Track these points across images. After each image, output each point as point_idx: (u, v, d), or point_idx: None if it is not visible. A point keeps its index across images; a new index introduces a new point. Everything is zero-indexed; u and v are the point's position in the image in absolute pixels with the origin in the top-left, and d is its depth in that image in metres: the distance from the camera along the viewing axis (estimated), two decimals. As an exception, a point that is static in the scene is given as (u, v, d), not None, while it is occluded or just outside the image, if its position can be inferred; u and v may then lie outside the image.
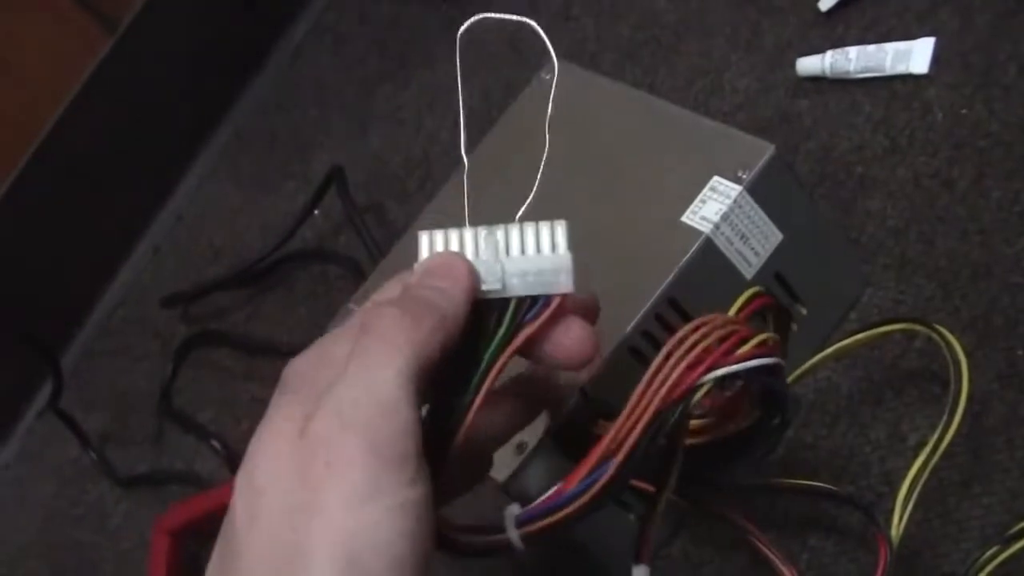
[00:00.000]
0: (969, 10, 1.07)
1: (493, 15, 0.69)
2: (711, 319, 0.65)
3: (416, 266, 0.62)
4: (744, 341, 0.64)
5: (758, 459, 0.76)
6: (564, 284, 0.60)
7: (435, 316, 0.58)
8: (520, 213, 0.63)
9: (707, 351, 0.62)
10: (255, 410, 0.58)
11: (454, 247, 0.61)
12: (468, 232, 0.62)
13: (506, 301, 0.60)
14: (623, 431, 0.61)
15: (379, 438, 0.53)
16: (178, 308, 1.46)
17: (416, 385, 0.55)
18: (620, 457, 0.60)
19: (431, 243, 0.62)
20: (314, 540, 0.52)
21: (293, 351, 0.62)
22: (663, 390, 0.61)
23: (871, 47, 1.09)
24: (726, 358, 0.63)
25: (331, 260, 1.36)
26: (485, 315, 0.60)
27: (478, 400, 0.59)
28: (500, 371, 0.60)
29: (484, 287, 0.60)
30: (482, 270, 0.60)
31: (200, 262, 1.51)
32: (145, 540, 1.20)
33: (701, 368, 0.62)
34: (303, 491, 0.53)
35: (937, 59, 1.06)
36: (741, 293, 0.86)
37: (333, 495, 0.52)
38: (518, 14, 1.38)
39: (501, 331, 0.60)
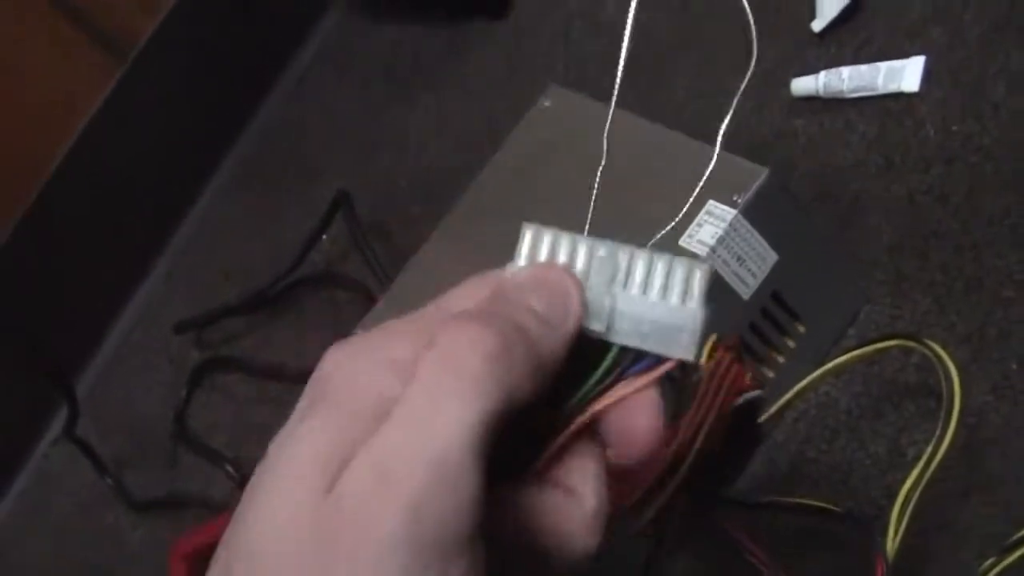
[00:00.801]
0: (959, 28, 1.09)
1: None
2: (725, 352, 0.66)
3: (515, 271, 0.48)
4: (745, 374, 0.65)
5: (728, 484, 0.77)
6: (685, 348, 0.47)
7: (531, 354, 0.44)
8: (655, 240, 0.52)
9: (737, 377, 0.64)
10: (267, 435, 0.47)
11: (562, 258, 0.48)
12: (583, 242, 0.48)
13: (604, 344, 0.47)
14: (680, 447, 0.60)
15: (430, 514, 0.40)
16: (191, 334, 1.48)
17: (489, 444, 0.42)
18: (682, 473, 0.59)
19: (534, 244, 0.48)
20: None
21: (304, 376, 0.47)
22: (716, 407, 0.62)
23: (864, 66, 1.10)
24: (746, 383, 0.64)
25: (340, 284, 1.38)
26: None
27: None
28: (580, 430, 0.47)
29: (585, 322, 0.47)
30: (591, 295, 0.47)
31: (212, 287, 1.53)
32: (161, 565, 1.22)
33: (734, 394, 0.63)
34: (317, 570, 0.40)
35: (928, 77, 1.08)
36: (739, 315, 0.88)
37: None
38: (520, 37, 1.42)
39: (590, 382, 0.47)
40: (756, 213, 0.87)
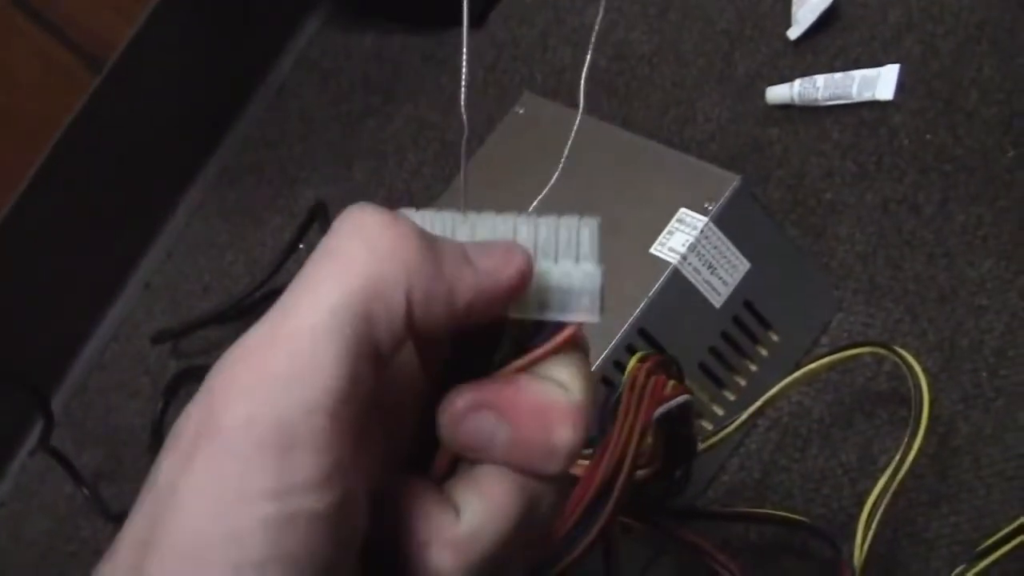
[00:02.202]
0: (932, 37, 1.09)
1: None
2: (638, 369, 0.65)
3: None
4: (666, 383, 0.65)
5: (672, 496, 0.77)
6: (587, 310, 0.44)
7: (434, 270, 0.41)
8: (536, 203, 0.50)
9: (655, 388, 0.64)
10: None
11: (440, 232, 0.44)
12: (464, 219, 0.45)
13: (503, 320, 0.44)
14: (608, 468, 0.59)
15: (277, 406, 0.38)
16: (168, 344, 1.48)
17: (362, 336, 0.39)
18: (616, 493, 0.59)
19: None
20: (160, 536, 0.38)
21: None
22: (638, 423, 0.61)
23: (838, 75, 1.11)
24: (665, 395, 0.64)
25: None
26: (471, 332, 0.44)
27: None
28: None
29: None
30: None
31: (190, 297, 1.53)
32: None
33: (654, 404, 0.63)
34: (176, 474, 0.39)
35: (902, 86, 1.08)
36: (711, 323, 0.88)
37: (198, 482, 0.38)
38: (498, 46, 1.42)
39: (496, 359, 0.44)
40: (727, 221, 0.87)
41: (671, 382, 0.66)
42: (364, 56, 1.61)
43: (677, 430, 0.70)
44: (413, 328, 0.41)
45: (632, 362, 0.67)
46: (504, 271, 0.42)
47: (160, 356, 1.48)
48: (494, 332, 0.44)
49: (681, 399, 0.65)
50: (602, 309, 0.44)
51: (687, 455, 0.74)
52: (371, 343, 0.39)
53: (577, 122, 0.56)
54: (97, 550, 1.36)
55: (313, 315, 0.39)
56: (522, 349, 0.44)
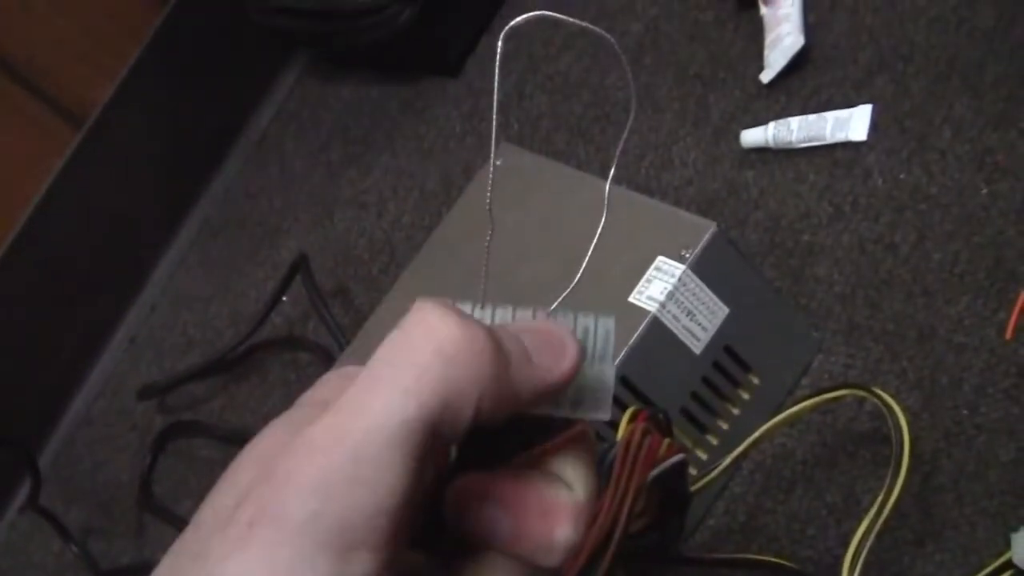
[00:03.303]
0: (904, 77, 1.10)
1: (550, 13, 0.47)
2: (632, 432, 0.66)
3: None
4: (661, 442, 0.65)
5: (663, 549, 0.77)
6: (599, 407, 0.46)
7: (497, 371, 0.41)
8: (556, 304, 0.47)
9: (649, 451, 0.64)
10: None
11: None
12: (482, 314, 0.46)
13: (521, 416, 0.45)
14: (601, 533, 0.59)
15: (336, 503, 0.38)
16: (154, 399, 1.48)
17: (421, 444, 0.40)
18: (607, 560, 0.59)
19: None
20: None
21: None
22: (632, 487, 0.61)
23: (812, 117, 1.12)
24: (659, 457, 0.64)
25: (301, 347, 1.38)
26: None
27: None
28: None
29: None
30: None
31: (175, 351, 1.53)
32: (129, 633, 1.22)
33: (649, 467, 0.64)
34: (219, 552, 0.39)
35: (875, 125, 1.09)
36: (691, 368, 0.89)
37: (249, 567, 0.38)
38: (474, 94, 1.43)
39: (505, 445, 0.46)
40: (705, 268, 0.88)
41: (666, 441, 0.66)
42: (343, 106, 1.62)
43: (671, 486, 0.70)
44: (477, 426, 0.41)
45: (624, 422, 0.68)
46: (559, 368, 0.43)
47: (146, 411, 1.48)
48: (502, 431, 0.45)
49: (676, 459, 0.66)
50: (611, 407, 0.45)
51: (681, 508, 0.75)
52: (431, 446, 0.40)
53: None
54: (87, 607, 1.36)
55: (384, 421, 0.39)
56: (530, 440, 0.45)
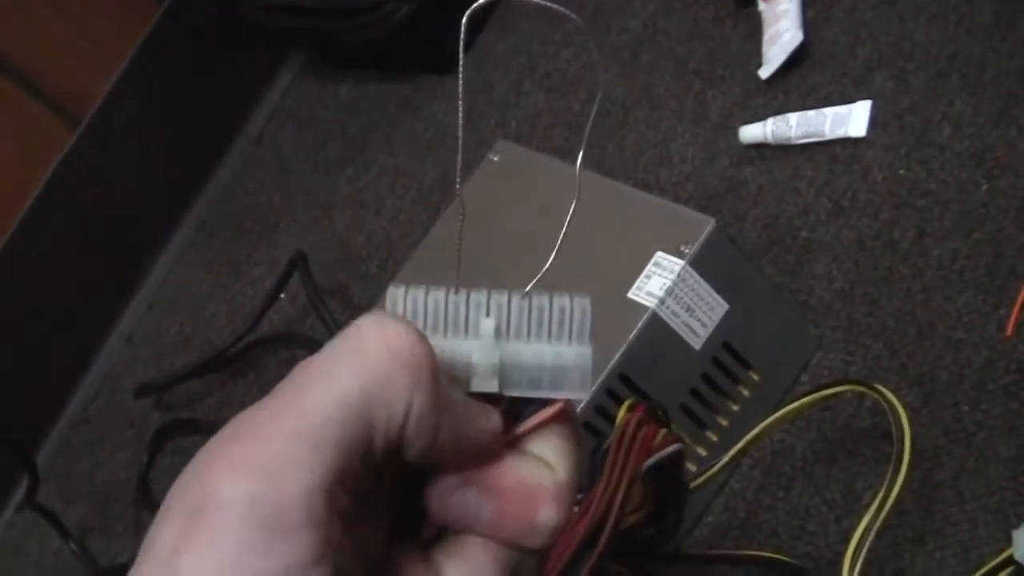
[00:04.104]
0: (903, 73, 1.10)
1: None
2: (628, 421, 0.65)
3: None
4: (656, 433, 0.65)
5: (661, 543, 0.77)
6: (578, 386, 0.46)
7: (443, 389, 0.42)
8: (532, 285, 0.47)
9: (644, 440, 0.64)
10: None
11: (435, 319, 0.45)
12: (456, 298, 0.45)
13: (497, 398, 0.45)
14: (593, 519, 0.59)
15: (276, 486, 0.39)
16: (151, 397, 1.48)
17: (362, 431, 0.40)
18: (602, 544, 0.59)
19: (401, 307, 0.45)
20: None
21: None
22: (626, 476, 0.61)
23: (811, 112, 1.11)
24: (654, 445, 0.64)
25: (298, 344, 1.38)
26: None
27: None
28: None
29: (473, 387, 0.45)
30: (475, 358, 0.45)
31: (172, 349, 1.52)
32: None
33: (644, 456, 0.63)
34: (174, 547, 0.39)
35: (875, 122, 1.09)
36: (691, 365, 0.88)
37: (197, 561, 0.39)
38: (473, 87, 1.43)
39: None
40: (704, 263, 0.88)
41: (662, 431, 0.66)
42: (340, 105, 1.62)
43: (668, 478, 0.70)
44: (403, 443, 0.42)
45: (622, 412, 0.67)
46: (482, 425, 0.44)
47: (144, 409, 1.48)
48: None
49: (672, 449, 0.66)
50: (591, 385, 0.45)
51: (679, 501, 0.74)
52: (368, 441, 0.40)
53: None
54: (85, 605, 1.36)
55: (323, 403, 0.40)
56: (510, 424, 0.45)
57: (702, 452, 0.93)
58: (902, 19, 1.14)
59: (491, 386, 0.45)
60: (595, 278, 0.90)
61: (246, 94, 1.71)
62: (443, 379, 0.42)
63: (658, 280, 0.87)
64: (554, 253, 0.49)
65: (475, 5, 0.46)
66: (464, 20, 0.46)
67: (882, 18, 1.15)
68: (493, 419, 0.44)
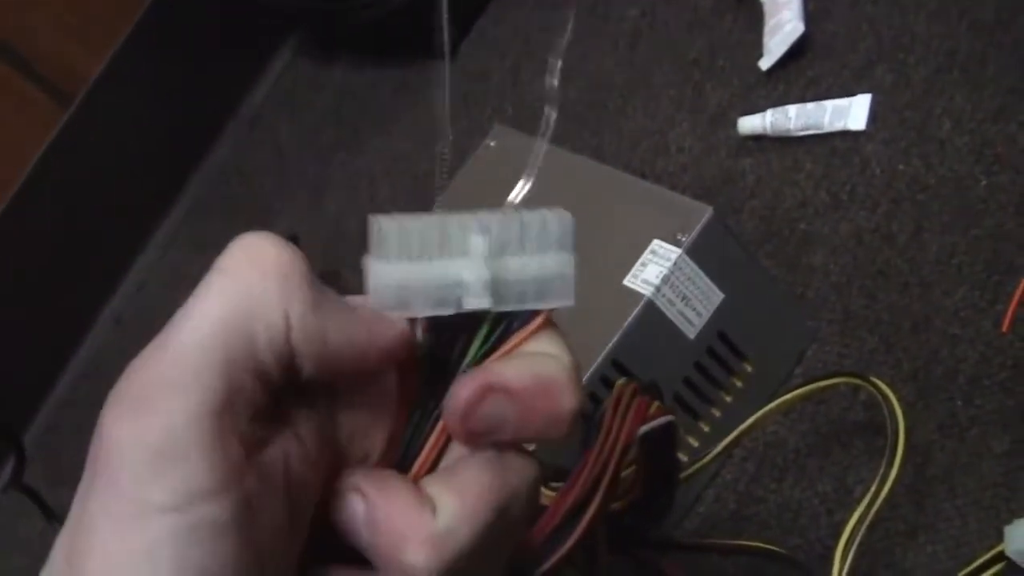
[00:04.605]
0: (904, 67, 1.10)
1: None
2: (625, 387, 0.65)
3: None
4: (650, 404, 0.65)
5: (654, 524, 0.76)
6: (563, 294, 0.46)
7: (327, 302, 0.43)
8: (515, 197, 0.50)
9: (640, 407, 0.64)
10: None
11: (419, 244, 0.45)
12: (442, 219, 0.45)
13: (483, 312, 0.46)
14: (586, 483, 0.59)
15: (162, 415, 0.39)
16: (140, 379, 1.47)
17: (242, 345, 0.40)
18: (593, 508, 0.58)
19: (386, 234, 0.45)
20: (77, 562, 0.39)
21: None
22: (621, 439, 0.61)
23: (810, 105, 1.11)
24: (648, 414, 0.64)
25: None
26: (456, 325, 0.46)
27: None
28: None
29: (466, 305, 0.45)
30: (467, 276, 0.45)
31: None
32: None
33: (638, 422, 0.63)
34: (83, 496, 0.40)
35: (874, 115, 1.08)
36: (685, 353, 0.88)
37: (100, 503, 0.39)
38: (469, 74, 1.42)
39: (474, 349, 0.46)
40: (701, 252, 0.87)
41: (655, 403, 0.66)
42: (335, 88, 1.61)
43: (660, 454, 0.69)
44: (294, 354, 0.42)
45: (619, 382, 0.67)
46: (381, 330, 0.44)
47: (132, 391, 1.47)
48: (470, 331, 0.46)
49: (665, 419, 0.65)
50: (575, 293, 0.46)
51: (670, 481, 0.74)
52: (252, 357, 0.41)
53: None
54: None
55: (197, 327, 0.40)
56: (501, 339, 0.46)
57: (694, 442, 0.93)
58: (903, 13, 1.13)
59: (484, 303, 0.45)
60: (591, 265, 0.88)
61: (241, 77, 1.71)
62: (325, 288, 0.43)
63: (654, 268, 0.86)
64: (528, 183, 0.52)
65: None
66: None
67: (883, 11, 1.15)
68: (396, 324, 0.44)
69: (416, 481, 0.45)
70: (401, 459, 0.47)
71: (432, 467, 0.46)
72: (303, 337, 0.42)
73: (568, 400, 0.44)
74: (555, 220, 0.46)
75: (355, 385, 0.45)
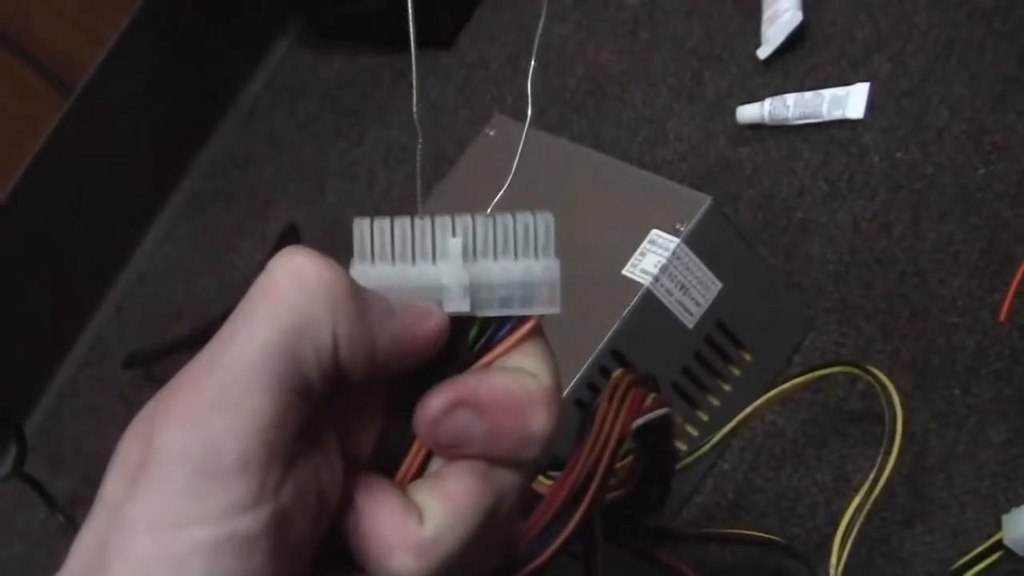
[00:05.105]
0: (901, 55, 1.10)
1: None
2: (620, 379, 0.65)
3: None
4: (646, 396, 0.65)
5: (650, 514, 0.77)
6: (548, 300, 0.47)
7: (371, 312, 0.44)
8: (496, 201, 0.51)
9: (635, 399, 0.64)
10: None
11: (402, 245, 0.46)
12: (422, 223, 0.46)
13: (470, 317, 0.47)
14: (580, 475, 0.59)
15: (209, 433, 0.40)
16: (140, 368, 1.47)
17: (291, 366, 0.41)
18: (588, 500, 0.58)
19: (368, 237, 0.46)
20: (109, 560, 0.40)
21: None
22: (616, 430, 0.61)
23: (808, 94, 1.11)
24: (643, 406, 0.64)
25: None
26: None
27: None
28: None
29: (448, 308, 0.46)
30: (446, 280, 0.46)
31: (162, 321, 1.52)
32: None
33: (633, 414, 0.63)
34: (122, 497, 0.41)
35: (872, 104, 1.08)
36: (684, 343, 0.88)
37: (140, 509, 0.40)
38: (468, 67, 1.42)
39: (463, 355, 0.47)
40: (699, 242, 0.87)
41: (652, 396, 0.66)
42: (333, 78, 1.61)
43: (656, 446, 0.69)
44: (341, 368, 0.43)
45: (615, 373, 0.67)
46: (420, 326, 0.45)
47: (133, 380, 1.48)
48: (456, 337, 0.46)
49: (661, 412, 0.65)
50: (560, 300, 0.46)
51: (666, 472, 0.74)
52: (299, 377, 0.42)
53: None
54: None
55: (246, 349, 0.41)
56: (486, 346, 0.47)
57: (692, 431, 0.93)
58: (902, 1, 1.13)
59: (463, 306, 0.46)
60: (590, 255, 0.89)
61: (239, 65, 1.71)
62: (367, 294, 0.44)
63: (653, 257, 0.87)
64: (511, 173, 0.54)
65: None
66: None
67: (881, 0, 1.15)
68: (434, 314, 0.45)
69: (403, 485, 0.46)
70: (388, 462, 0.47)
71: (420, 471, 0.47)
72: (351, 351, 0.43)
73: (539, 422, 0.45)
74: (540, 224, 0.46)
75: (351, 389, 0.45)
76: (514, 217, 0.46)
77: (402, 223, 0.46)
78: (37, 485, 1.39)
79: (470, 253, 0.46)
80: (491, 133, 1.04)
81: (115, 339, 1.56)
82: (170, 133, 1.65)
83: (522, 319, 0.47)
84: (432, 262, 0.46)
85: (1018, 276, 0.91)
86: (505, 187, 0.52)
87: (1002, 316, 0.92)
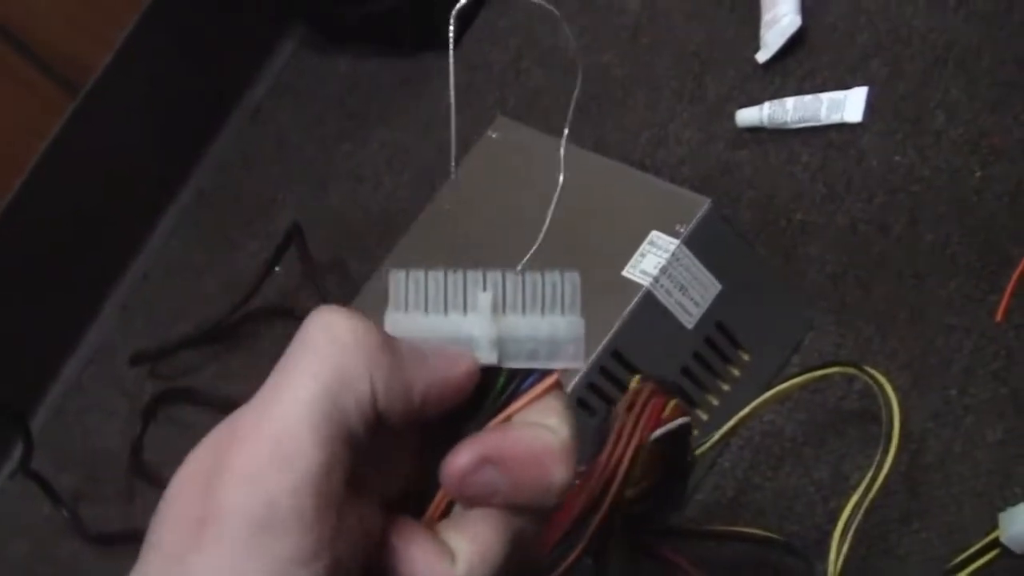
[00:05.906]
0: (899, 60, 1.11)
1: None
2: (640, 390, 0.66)
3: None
4: (665, 405, 0.66)
5: (665, 515, 0.78)
6: (572, 356, 0.48)
7: (393, 362, 0.45)
8: (524, 261, 0.52)
9: (654, 411, 0.64)
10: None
11: (436, 297, 0.48)
12: (455, 277, 0.48)
13: (496, 368, 0.49)
14: (597, 485, 0.60)
15: (267, 491, 0.42)
16: (146, 366, 1.48)
17: (335, 421, 0.43)
18: (602, 512, 0.59)
19: (403, 288, 0.48)
20: None
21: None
22: (633, 444, 0.62)
23: (807, 97, 1.12)
24: (662, 417, 0.65)
25: (293, 317, 1.38)
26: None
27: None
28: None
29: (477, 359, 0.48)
30: (476, 332, 0.48)
31: (167, 320, 1.53)
32: (117, 598, 1.21)
33: (650, 428, 0.64)
34: (183, 548, 0.43)
35: (871, 108, 1.09)
36: (683, 343, 0.89)
37: (204, 563, 0.42)
38: (471, 69, 1.43)
39: (487, 404, 0.49)
40: (699, 243, 0.88)
41: (671, 403, 0.66)
42: (339, 80, 1.62)
43: (674, 451, 0.70)
44: (381, 415, 0.45)
45: (633, 383, 0.68)
46: (452, 370, 0.47)
47: (138, 378, 1.48)
48: (483, 384, 0.48)
49: (678, 422, 0.66)
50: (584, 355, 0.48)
51: (683, 476, 0.75)
52: (344, 427, 0.44)
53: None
54: (77, 570, 1.37)
55: (293, 406, 0.43)
56: (510, 396, 0.49)
57: (693, 431, 0.94)
58: (900, 5, 1.14)
59: (491, 358, 0.48)
60: (590, 256, 0.90)
61: (245, 67, 1.71)
62: (399, 343, 0.46)
63: (653, 259, 0.88)
64: (543, 232, 0.54)
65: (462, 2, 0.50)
66: (451, 17, 0.49)
67: (880, 4, 1.16)
68: (466, 359, 0.48)
69: (431, 525, 0.48)
70: (415, 502, 0.49)
71: (446, 511, 0.49)
72: (389, 398, 0.45)
73: (558, 475, 0.47)
74: (567, 283, 0.48)
75: (387, 435, 0.47)
76: (543, 275, 0.48)
77: (436, 276, 0.48)
78: (43, 481, 1.40)
79: (499, 307, 0.48)
80: (494, 135, 1.05)
81: (120, 337, 1.57)
82: (176, 133, 1.66)
83: (544, 372, 0.48)
84: (463, 314, 0.48)
85: (1015, 277, 0.92)
86: (537, 244, 0.53)
87: (999, 317, 0.93)
